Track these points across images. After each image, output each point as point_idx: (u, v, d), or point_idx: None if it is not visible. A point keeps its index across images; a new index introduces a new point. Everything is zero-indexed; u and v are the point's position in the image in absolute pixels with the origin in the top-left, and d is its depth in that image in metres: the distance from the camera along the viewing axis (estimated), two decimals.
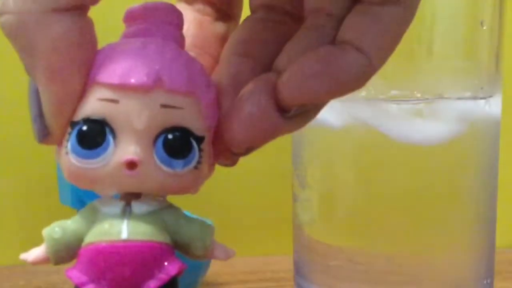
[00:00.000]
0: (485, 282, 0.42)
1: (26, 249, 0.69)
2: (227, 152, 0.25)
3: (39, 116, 0.23)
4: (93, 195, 0.54)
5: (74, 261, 0.26)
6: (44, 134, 0.24)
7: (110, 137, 0.23)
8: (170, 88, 0.23)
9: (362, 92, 0.40)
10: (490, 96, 0.40)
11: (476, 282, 0.42)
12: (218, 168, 0.72)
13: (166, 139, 0.23)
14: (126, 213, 0.24)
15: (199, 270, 0.49)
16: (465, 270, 0.42)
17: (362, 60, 0.23)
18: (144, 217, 0.24)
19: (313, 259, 0.43)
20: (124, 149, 0.23)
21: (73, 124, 0.23)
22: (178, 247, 0.25)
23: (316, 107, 0.26)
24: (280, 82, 0.24)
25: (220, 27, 0.28)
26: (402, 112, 0.39)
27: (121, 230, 0.23)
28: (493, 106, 0.41)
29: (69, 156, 0.23)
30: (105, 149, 0.23)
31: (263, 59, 0.26)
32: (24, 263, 0.67)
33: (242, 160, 0.70)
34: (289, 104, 0.24)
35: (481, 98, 0.40)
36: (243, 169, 0.65)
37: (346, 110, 0.40)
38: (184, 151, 0.23)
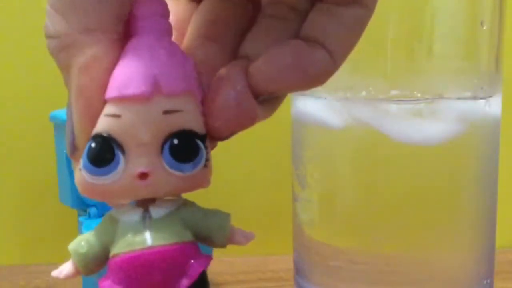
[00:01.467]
0: (485, 282, 0.42)
1: (26, 249, 0.69)
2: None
3: (71, 132, 0.24)
4: None
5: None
6: (72, 150, 0.24)
7: (119, 153, 0.23)
8: (169, 92, 0.23)
9: (362, 92, 0.40)
10: (490, 96, 0.40)
11: (476, 282, 0.42)
12: (218, 168, 0.72)
13: (172, 145, 0.23)
14: (146, 219, 0.24)
15: None
16: (465, 270, 0.42)
17: (328, 58, 0.24)
18: (163, 221, 0.24)
19: (313, 259, 0.43)
20: (133, 163, 0.23)
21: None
22: (200, 240, 0.25)
23: (282, 96, 0.27)
24: (252, 70, 0.24)
25: (194, 8, 0.28)
26: (402, 112, 0.39)
27: (145, 238, 0.24)
28: (493, 106, 0.41)
29: (82, 172, 0.23)
30: (116, 166, 0.23)
31: (227, 42, 0.26)
32: (24, 263, 0.67)
33: (242, 160, 0.71)
34: (260, 91, 0.25)
35: (481, 98, 0.40)
36: (243, 170, 0.65)
37: (346, 110, 0.40)
38: (191, 155, 0.24)
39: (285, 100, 0.46)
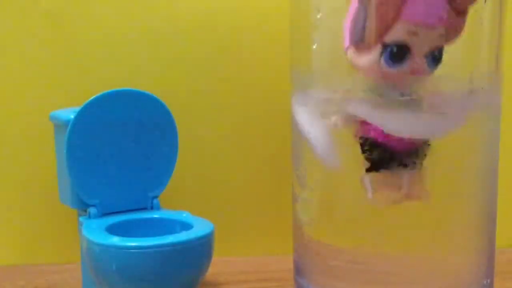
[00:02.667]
0: (484, 282, 0.42)
1: (26, 249, 0.70)
2: None
3: (362, 28, 0.38)
4: (92, 196, 0.54)
5: None
6: (357, 41, 0.38)
7: (407, 56, 0.37)
8: (444, 24, 0.38)
9: (360, 93, 0.40)
10: (490, 96, 0.40)
11: (476, 282, 0.42)
12: (218, 168, 0.72)
13: (433, 56, 0.38)
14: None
15: (199, 270, 0.49)
16: (465, 270, 0.42)
17: None
18: None
19: (312, 259, 0.43)
20: (413, 62, 0.38)
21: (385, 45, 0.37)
22: None
23: None
24: None
25: None
26: (402, 111, 0.39)
27: None
28: (493, 106, 0.41)
29: (381, 63, 0.38)
30: (405, 63, 0.37)
31: None
32: (24, 263, 0.67)
33: (242, 161, 0.70)
34: None
35: (481, 98, 0.40)
36: (243, 170, 0.65)
37: (346, 108, 0.40)
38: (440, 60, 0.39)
39: (285, 100, 0.46)
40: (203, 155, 0.64)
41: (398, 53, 0.37)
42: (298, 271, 0.44)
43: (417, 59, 0.37)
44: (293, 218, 0.44)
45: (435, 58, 0.38)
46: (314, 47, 0.42)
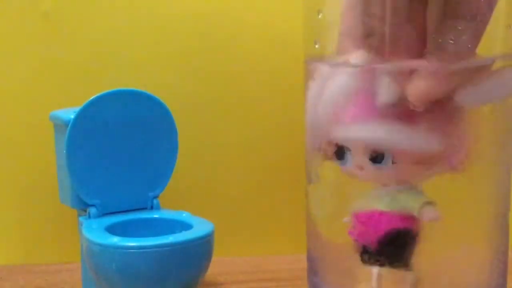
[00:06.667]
0: (497, 282, 0.41)
1: (26, 249, 0.69)
2: None
3: None
4: (92, 196, 0.54)
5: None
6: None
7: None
8: None
9: None
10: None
11: (487, 282, 0.41)
12: (218, 168, 0.72)
13: None
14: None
15: (199, 270, 0.49)
16: (476, 270, 0.41)
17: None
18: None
19: (325, 257, 0.43)
20: None
21: None
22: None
23: None
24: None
25: None
26: None
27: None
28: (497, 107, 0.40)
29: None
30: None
31: None
32: (24, 263, 0.67)
33: (242, 161, 0.70)
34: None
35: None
36: (243, 170, 0.65)
37: None
38: None
39: (285, 100, 0.46)
40: (203, 155, 0.64)
41: (338, 151, 0.37)
42: (312, 268, 0.44)
43: (358, 157, 0.37)
44: (306, 215, 0.44)
45: (374, 159, 0.37)
46: (316, 46, 0.41)
